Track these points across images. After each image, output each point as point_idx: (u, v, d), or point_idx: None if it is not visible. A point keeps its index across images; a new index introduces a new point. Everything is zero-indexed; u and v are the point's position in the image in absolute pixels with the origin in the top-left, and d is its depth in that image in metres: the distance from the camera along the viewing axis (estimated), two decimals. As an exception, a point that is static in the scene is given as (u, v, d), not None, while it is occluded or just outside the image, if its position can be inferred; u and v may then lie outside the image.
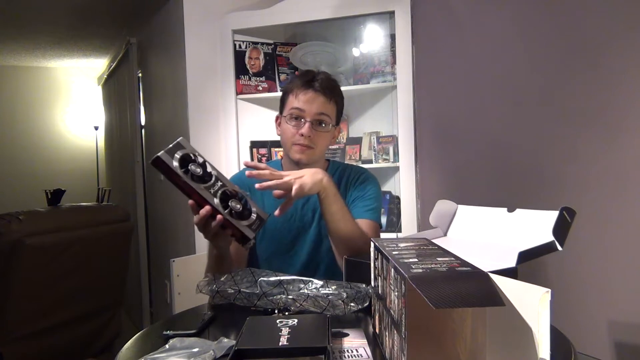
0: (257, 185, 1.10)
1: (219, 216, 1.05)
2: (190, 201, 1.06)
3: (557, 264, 1.53)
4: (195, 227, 1.09)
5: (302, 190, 1.10)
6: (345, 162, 2.41)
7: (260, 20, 2.39)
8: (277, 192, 1.11)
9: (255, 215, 1.12)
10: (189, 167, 1.05)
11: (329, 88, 1.28)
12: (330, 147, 2.47)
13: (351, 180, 1.38)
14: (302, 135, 1.26)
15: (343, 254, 1.14)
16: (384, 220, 2.33)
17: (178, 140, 1.08)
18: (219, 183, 1.09)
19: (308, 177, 1.12)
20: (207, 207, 1.05)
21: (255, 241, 1.15)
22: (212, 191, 1.07)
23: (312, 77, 1.29)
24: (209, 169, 1.09)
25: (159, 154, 1.02)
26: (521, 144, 1.73)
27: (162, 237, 3.29)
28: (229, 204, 1.08)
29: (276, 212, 1.13)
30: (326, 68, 2.41)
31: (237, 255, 1.31)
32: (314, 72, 1.31)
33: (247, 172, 1.11)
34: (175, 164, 1.03)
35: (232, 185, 1.12)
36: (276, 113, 1.39)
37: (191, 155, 1.07)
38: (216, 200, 1.07)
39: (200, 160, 1.08)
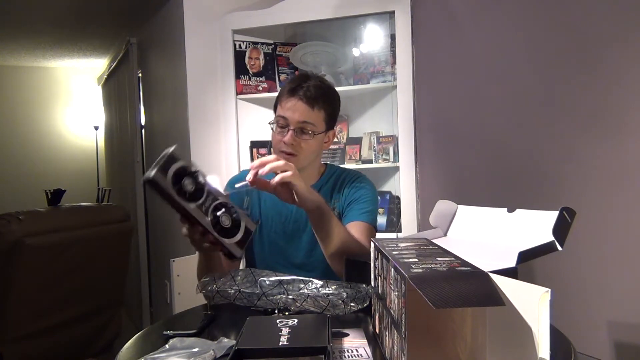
0: (258, 171, 1.08)
1: (208, 236, 1.03)
2: (182, 218, 1.02)
3: (557, 264, 1.53)
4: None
5: (297, 184, 1.08)
6: (345, 162, 2.41)
7: (260, 20, 2.39)
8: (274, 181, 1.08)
9: (242, 232, 1.08)
10: (182, 184, 0.99)
11: (314, 96, 1.25)
12: (330, 147, 2.49)
13: (347, 182, 1.38)
14: (285, 143, 1.26)
15: (338, 265, 1.14)
16: (384, 220, 2.33)
17: (171, 151, 0.98)
18: (210, 197, 1.04)
19: (306, 188, 1.11)
20: (198, 227, 1.01)
21: (241, 257, 1.14)
22: (203, 209, 1.02)
23: (299, 84, 1.27)
24: (200, 179, 1.02)
25: (152, 175, 0.94)
26: (521, 144, 1.73)
27: (162, 237, 3.29)
28: (220, 219, 1.04)
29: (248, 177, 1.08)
30: (326, 68, 2.42)
31: (230, 264, 1.31)
32: (304, 78, 1.29)
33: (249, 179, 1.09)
34: (169, 182, 0.96)
35: (222, 194, 1.07)
36: (277, 113, 1.39)
37: (184, 167, 1.00)
38: (207, 219, 1.02)
39: (193, 170, 1.01)
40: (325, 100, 1.29)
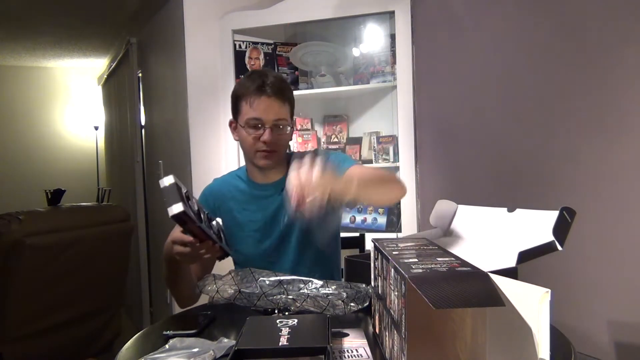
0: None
1: (215, 246, 1.07)
2: (193, 239, 1.03)
3: (557, 264, 1.53)
4: (175, 251, 1.08)
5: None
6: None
7: (260, 20, 2.39)
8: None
9: (222, 232, 1.12)
10: (192, 208, 1.00)
11: (281, 90, 1.27)
12: (329, 147, 2.50)
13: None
14: (264, 142, 1.27)
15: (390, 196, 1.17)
16: (384, 220, 2.34)
17: (174, 180, 0.98)
18: (202, 210, 1.06)
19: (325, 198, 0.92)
20: (210, 242, 1.05)
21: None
22: (206, 224, 1.05)
23: (262, 81, 1.26)
24: (192, 197, 1.05)
25: (181, 209, 0.94)
26: (521, 144, 1.73)
27: (162, 237, 3.28)
28: (213, 228, 1.09)
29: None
30: (326, 68, 2.42)
31: (204, 269, 1.33)
32: (263, 75, 1.29)
33: None
34: (190, 210, 0.98)
35: (200, 204, 1.10)
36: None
37: (186, 191, 1.02)
38: (213, 232, 1.06)
39: (185, 191, 1.02)
40: (288, 92, 1.32)
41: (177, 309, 1.37)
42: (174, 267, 1.22)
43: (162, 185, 0.98)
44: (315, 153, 1.43)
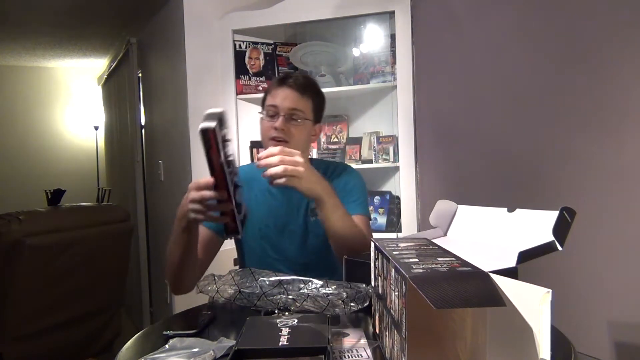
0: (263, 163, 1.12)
1: (227, 204, 1.00)
2: (211, 179, 0.99)
3: (557, 264, 1.53)
4: (187, 201, 1.04)
5: (299, 181, 1.11)
6: (345, 162, 2.41)
7: (260, 20, 2.39)
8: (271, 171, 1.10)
9: (244, 212, 1.09)
10: (227, 147, 0.98)
11: (303, 85, 1.31)
12: (329, 147, 2.50)
13: (334, 175, 1.40)
14: (275, 129, 1.28)
15: (343, 254, 1.14)
16: (384, 220, 2.33)
17: (220, 111, 0.96)
18: (234, 170, 1.03)
19: (306, 185, 1.13)
20: (225, 194, 0.99)
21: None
22: (229, 177, 0.99)
23: (287, 75, 1.35)
24: (231, 150, 1.01)
25: (212, 126, 0.90)
26: (521, 144, 1.73)
27: (162, 237, 3.29)
28: (236, 193, 1.04)
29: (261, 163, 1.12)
30: (326, 68, 2.41)
31: (207, 253, 1.32)
32: (291, 73, 1.38)
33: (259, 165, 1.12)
34: (220, 138, 0.94)
35: (235, 165, 1.06)
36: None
37: (227, 134, 0.99)
38: (232, 189, 1.00)
39: (230, 139, 1.00)
40: (312, 90, 1.34)
41: (177, 309, 1.37)
42: (183, 236, 1.15)
43: (207, 112, 0.94)
44: (344, 168, 1.44)
